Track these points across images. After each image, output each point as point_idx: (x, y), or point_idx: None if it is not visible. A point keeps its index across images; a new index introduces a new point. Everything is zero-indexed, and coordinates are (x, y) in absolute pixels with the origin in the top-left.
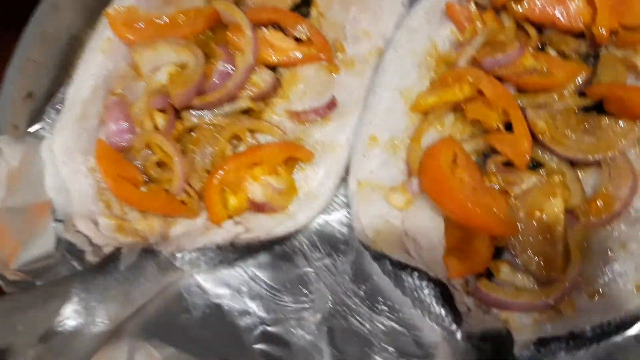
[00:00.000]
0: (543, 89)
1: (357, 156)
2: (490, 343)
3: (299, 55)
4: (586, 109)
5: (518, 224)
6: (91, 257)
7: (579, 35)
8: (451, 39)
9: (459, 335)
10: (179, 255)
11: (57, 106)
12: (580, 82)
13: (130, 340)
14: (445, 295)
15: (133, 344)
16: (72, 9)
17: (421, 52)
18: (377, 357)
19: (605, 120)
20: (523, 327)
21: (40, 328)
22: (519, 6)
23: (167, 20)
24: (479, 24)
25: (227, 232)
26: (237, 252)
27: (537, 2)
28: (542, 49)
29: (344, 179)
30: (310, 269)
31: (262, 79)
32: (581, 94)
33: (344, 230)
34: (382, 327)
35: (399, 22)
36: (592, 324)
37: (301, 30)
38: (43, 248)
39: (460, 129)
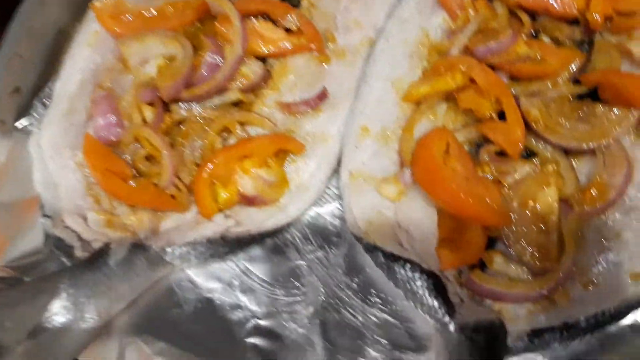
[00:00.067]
0: (536, 76)
1: (349, 147)
2: (484, 334)
3: (289, 45)
4: (580, 97)
5: (511, 214)
6: (80, 253)
7: (573, 21)
8: (443, 27)
9: (452, 327)
10: (169, 249)
11: (45, 100)
12: (575, 69)
13: (120, 335)
14: (438, 287)
15: (123, 340)
16: (59, 2)
17: (413, 41)
18: (370, 350)
19: (600, 107)
20: (517, 318)
21: (29, 324)
22: None
23: (154, 12)
24: (471, 11)
25: (217, 225)
26: (228, 245)
27: None
28: (535, 36)
29: (336, 171)
30: (302, 262)
31: (252, 70)
32: (575, 81)
33: (337, 222)
34: (375, 320)
35: (391, 11)
36: (586, 314)
37: (291, 20)
38: (31, 244)
39: (452, 118)
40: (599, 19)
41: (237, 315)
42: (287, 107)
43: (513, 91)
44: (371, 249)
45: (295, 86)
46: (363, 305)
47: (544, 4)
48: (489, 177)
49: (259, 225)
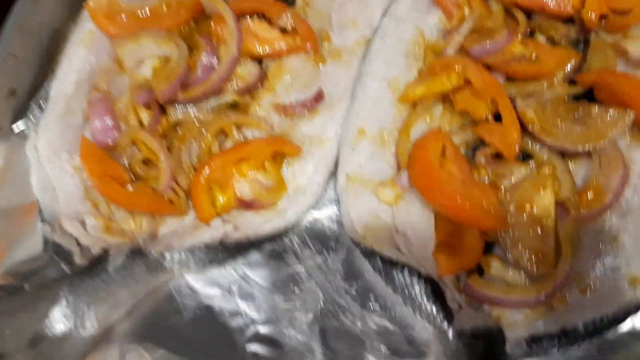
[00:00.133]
0: (532, 76)
1: (346, 149)
2: (482, 340)
3: (284, 45)
4: (576, 97)
5: (508, 217)
6: (79, 260)
7: (569, 20)
8: (439, 26)
9: (450, 333)
10: (167, 255)
11: (41, 102)
12: (570, 69)
13: (120, 342)
14: (436, 293)
15: (124, 347)
16: (53, 1)
17: (408, 41)
18: (369, 356)
19: (596, 108)
20: (515, 324)
21: (29, 332)
22: None
23: (148, 12)
24: (466, 10)
25: (216, 230)
26: (227, 251)
27: None
28: (531, 35)
29: (334, 174)
30: (301, 268)
31: (248, 71)
32: (571, 81)
33: (334, 227)
34: (374, 326)
35: (386, 10)
36: (584, 320)
37: (286, 19)
38: (31, 250)
39: (449, 120)
40: (594, 17)
41: (236, 321)
42: (284, 109)
43: (509, 92)
44: (369, 253)
45: (291, 87)
46: (362, 312)
47: (539, 3)
48: (486, 180)
49: (257, 230)
